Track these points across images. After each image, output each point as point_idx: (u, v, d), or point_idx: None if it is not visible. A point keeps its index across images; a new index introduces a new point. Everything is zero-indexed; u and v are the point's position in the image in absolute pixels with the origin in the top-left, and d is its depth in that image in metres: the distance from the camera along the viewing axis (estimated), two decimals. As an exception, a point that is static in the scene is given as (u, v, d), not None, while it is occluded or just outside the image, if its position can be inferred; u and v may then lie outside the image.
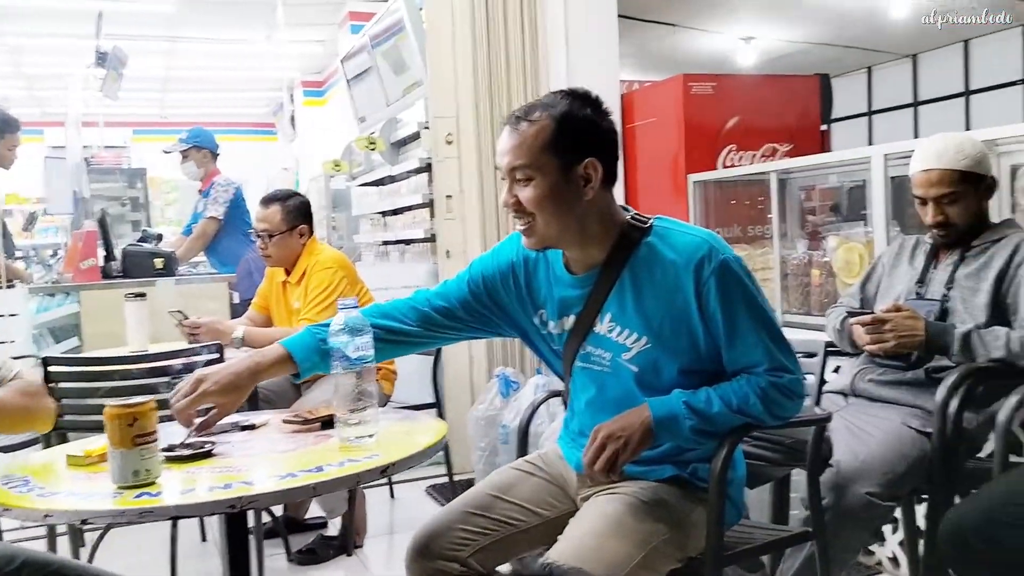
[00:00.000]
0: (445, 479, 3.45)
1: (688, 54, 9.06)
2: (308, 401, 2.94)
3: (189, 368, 2.39)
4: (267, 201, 3.15)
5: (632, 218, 1.61)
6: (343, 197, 6.73)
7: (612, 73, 4.22)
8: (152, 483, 1.32)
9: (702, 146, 4.07)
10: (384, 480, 3.64)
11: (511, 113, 1.60)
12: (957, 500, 1.95)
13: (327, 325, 1.56)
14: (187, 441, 1.51)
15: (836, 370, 2.70)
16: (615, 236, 1.59)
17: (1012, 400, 1.85)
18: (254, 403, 2.95)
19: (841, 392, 2.26)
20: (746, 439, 1.91)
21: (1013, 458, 2.30)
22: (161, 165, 7.67)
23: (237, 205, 4.60)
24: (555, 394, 2.06)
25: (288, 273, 3.18)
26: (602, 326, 1.60)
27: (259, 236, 3.12)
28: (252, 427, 1.68)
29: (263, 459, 1.48)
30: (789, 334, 2.67)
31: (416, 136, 4.54)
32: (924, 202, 2.18)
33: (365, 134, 5.19)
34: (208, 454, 1.47)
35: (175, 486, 1.33)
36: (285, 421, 1.69)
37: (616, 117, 4.31)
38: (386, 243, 5.25)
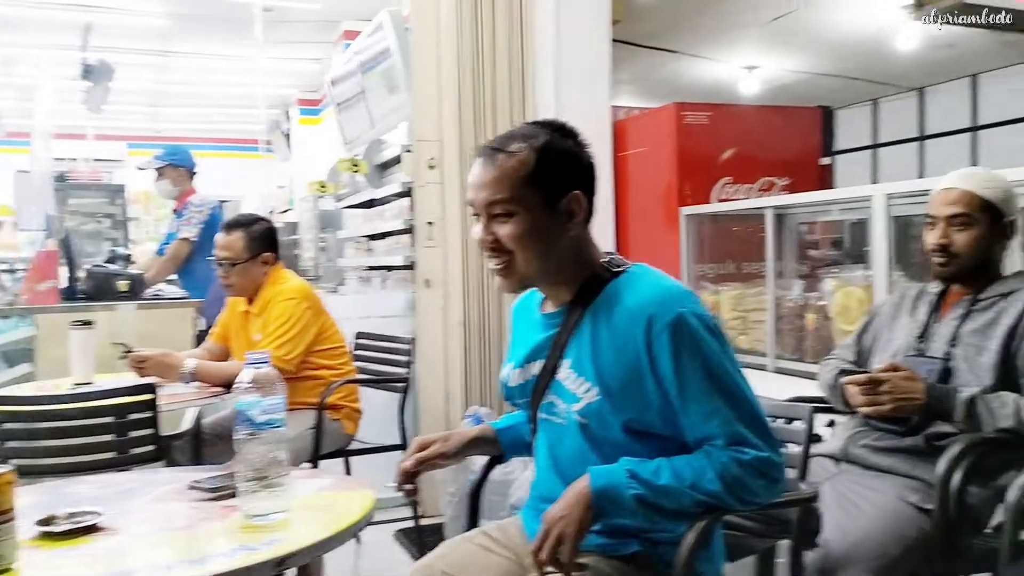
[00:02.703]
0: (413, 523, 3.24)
1: (691, 82, 8.93)
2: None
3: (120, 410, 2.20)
4: (230, 227, 2.98)
5: (609, 260, 1.46)
6: (335, 218, 6.57)
7: (603, 100, 4.05)
8: (6, 571, 1.12)
9: (696, 178, 3.89)
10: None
11: (485, 144, 1.46)
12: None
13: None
14: (72, 511, 1.31)
15: (831, 424, 2.50)
16: (585, 275, 1.44)
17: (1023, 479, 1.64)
18: (198, 453, 2.75)
19: (833, 456, 2.05)
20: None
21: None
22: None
23: (212, 227, 4.39)
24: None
25: (250, 303, 2.99)
26: (562, 372, 1.45)
27: (220, 264, 2.94)
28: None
29: (151, 539, 1.28)
30: (778, 384, 2.42)
31: (400, 159, 4.37)
32: (933, 224, 2.00)
33: (349, 155, 5.02)
34: (91, 529, 1.27)
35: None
36: (190, 487, 1.49)
37: (607, 145, 4.17)
38: (371, 268, 5.07)
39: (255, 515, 1.28)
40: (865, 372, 1.93)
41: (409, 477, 1.55)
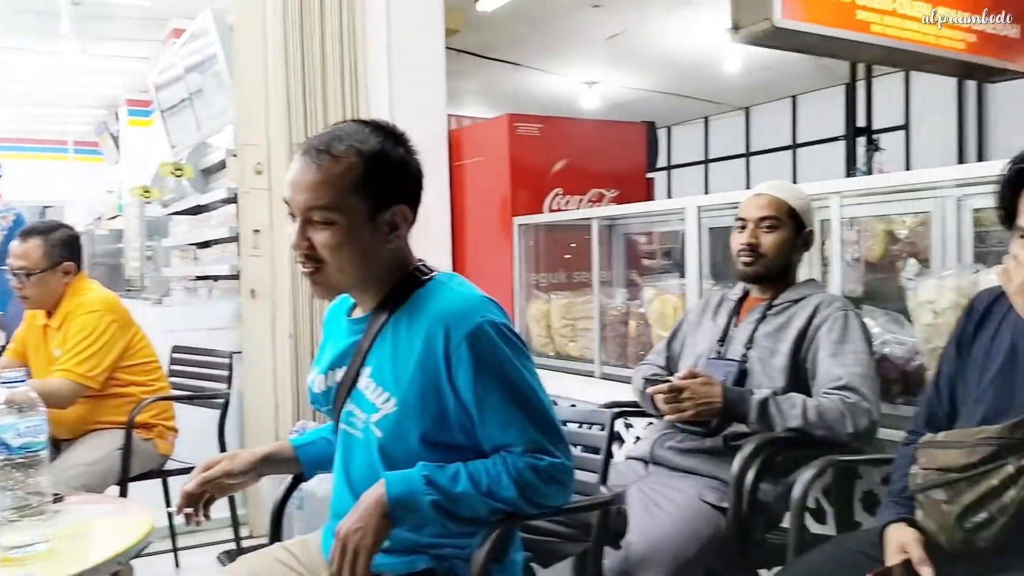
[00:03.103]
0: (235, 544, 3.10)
1: (534, 94, 9.11)
2: (59, 467, 2.53)
3: None
4: (26, 234, 2.77)
5: (417, 267, 1.43)
6: (162, 225, 6.23)
7: (439, 108, 4.04)
8: None
9: (529, 188, 3.94)
10: (167, 546, 3.25)
11: (307, 143, 1.36)
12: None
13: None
14: None
15: (648, 426, 2.58)
16: (394, 281, 1.41)
17: (807, 475, 1.74)
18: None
19: (642, 459, 2.11)
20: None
21: (816, 528, 2.24)
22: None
23: (15, 234, 4.08)
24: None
25: (50, 316, 2.78)
26: (362, 381, 1.41)
27: (15, 274, 2.72)
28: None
29: None
30: (603, 389, 2.46)
31: (225, 164, 4.20)
32: (743, 227, 2.12)
33: (173, 159, 4.78)
34: None
35: None
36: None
37: (443, 154, 4.16)
38: (198, 278, 4.84)
39: (13, 547, 1.17)
40: (668, 380, 2.00)
41: (193, 500, 1.47)
